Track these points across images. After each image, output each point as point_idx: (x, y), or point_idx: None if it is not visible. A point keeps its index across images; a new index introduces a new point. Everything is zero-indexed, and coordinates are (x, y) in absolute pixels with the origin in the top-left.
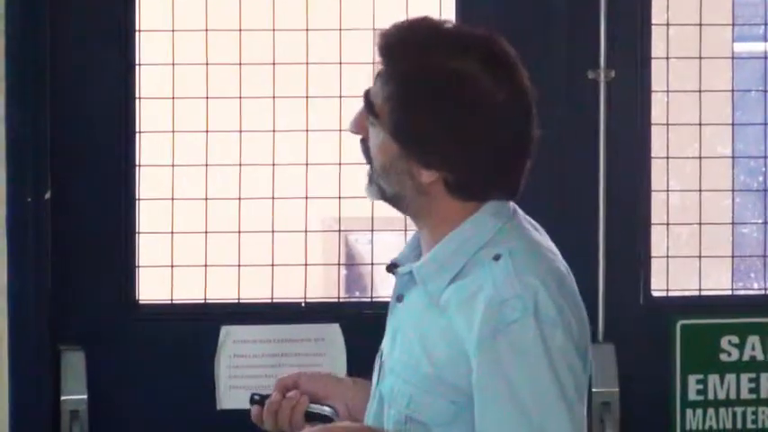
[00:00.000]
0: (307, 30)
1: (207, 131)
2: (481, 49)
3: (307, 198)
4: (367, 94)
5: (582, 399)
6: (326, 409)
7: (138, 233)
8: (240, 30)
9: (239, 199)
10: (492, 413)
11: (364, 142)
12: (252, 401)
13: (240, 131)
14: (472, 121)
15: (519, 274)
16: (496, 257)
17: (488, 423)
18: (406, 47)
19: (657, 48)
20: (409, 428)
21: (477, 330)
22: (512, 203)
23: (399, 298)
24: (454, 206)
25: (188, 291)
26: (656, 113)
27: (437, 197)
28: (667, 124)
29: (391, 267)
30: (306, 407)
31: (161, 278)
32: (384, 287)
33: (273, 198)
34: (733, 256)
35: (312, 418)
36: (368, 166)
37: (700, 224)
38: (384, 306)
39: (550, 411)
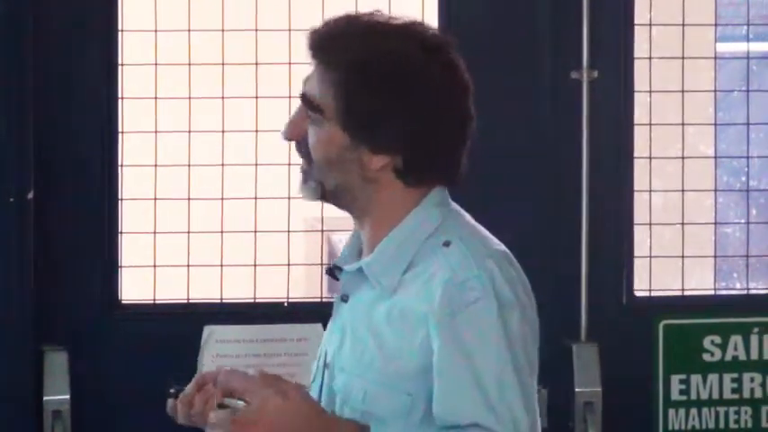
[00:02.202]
0: (289, 30)
1: (189, 132)
2: (416, 33)
3: (289, 198)
4: (305, 95)
5: (535, 378)
6: (240, 404)
7: (121, 233)
8: (223, 30)
9: (222, 199)
10: (452, 392)
11: (300, 144)
12: (168, 395)
13: (223, 132)
14: (417, 100)
15: (474, 257)
16: (446, 244)
17: (448, 401)
18: (345, 38)
19: (640, 48)
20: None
21: (436, 313)
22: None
23: (345, 298)
24: (400, 195)
25: (171, 291)
26: (639, 113)
27: (384, 185)
28: (650, 124)
29: (332, 270)
30: (219, 400)
31: (144, 278)
32: None
33: (256, 198)
34: (715, 256)
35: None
36: (301, 165)
37: (682, 224)
38: None
39: (508, 392)
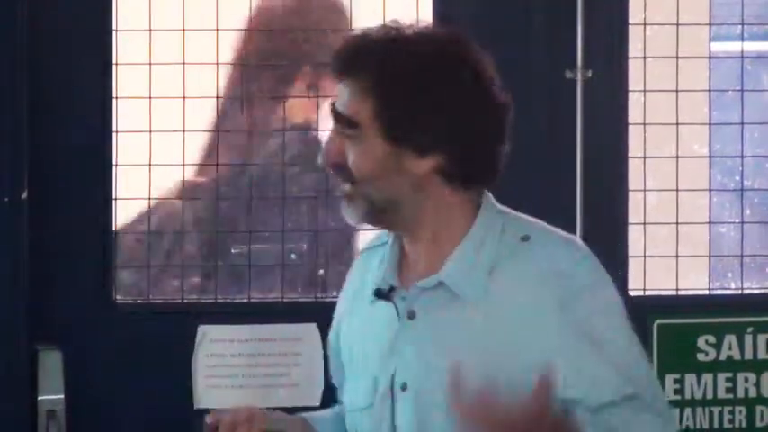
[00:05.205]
0: (286, 30)
1: (184, 131)
2: (434, 35)
3: (284, 198)
4: (339, 113)
5: None
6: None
7: (116, 233)
8: (217, 29)
9: (216, 199)
10: (595, 374)
11: (340, 167)
12: (205, 421)
13: (217, 131)
14: (450, 99)
15: (568, 247)
16: (525, 239)
17: (593, 384)
18: (366, 51)
19: (634, 47)
20: None
21: (548, 305)
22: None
23: (411, 315)
24: (451, 199)
25: (165, 290)
26: (633, 113)
27: (433, 192)
28: (644, 124)
29: (381, 292)
30: (264, 425)
31: (138, 277)
32: None
33: (251, 198)
34: (710, 256)
35: None
36: (344, 188)
37: (677, 224)
38: None
39: (642, 364)
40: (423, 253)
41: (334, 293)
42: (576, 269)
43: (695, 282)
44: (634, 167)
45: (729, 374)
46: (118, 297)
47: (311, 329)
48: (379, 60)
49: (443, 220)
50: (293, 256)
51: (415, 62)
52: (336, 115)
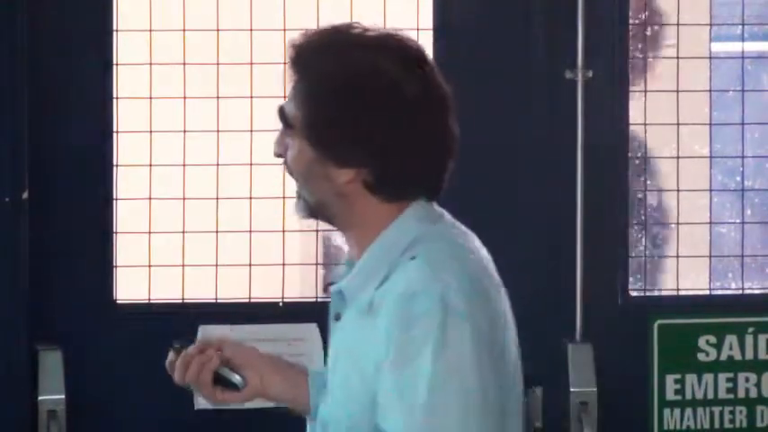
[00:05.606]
0: (284, 30)
1: (184, 131)
2: (391, 47)
3: (284, 197)
4: (281, 109)
5: (495, 392)
6: (237, 377)
7: (116, 233)
8: (218, 29)
9: (217, 199)
10: (400, 404)
11: (284, 160)
12: (171, 348)
13: (218, 131)
14: (381, 114)
15: (433, 271)
16: (413, 258)
17: (397, 411)
18: (316, 52)
19: (635, 48)
20: None
21: (387, 326)
22: (438, 209)
23: (337, 317)
24: (377, 208)
25: (166, 290)
26: (634, 113)
27: (358, 199)
28: (645, 124)
29: (328, 287)
30: (216, 367)
31: (139, 278)
32: None
33: (251, 198)
34: (710, 256)
35: (220, 381)
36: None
37: (677, 224)
38: None
39: (458, 402)
40: (354, 252)
41: None
42: (422, 295)
43: (696, 282)
44: (634, 168)
45: (730, 374)
46: (118, 297)
47: (312, 329)
48: (320, 67)
49: (367, 227)
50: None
51: (352, 77)
52: (279, 111)
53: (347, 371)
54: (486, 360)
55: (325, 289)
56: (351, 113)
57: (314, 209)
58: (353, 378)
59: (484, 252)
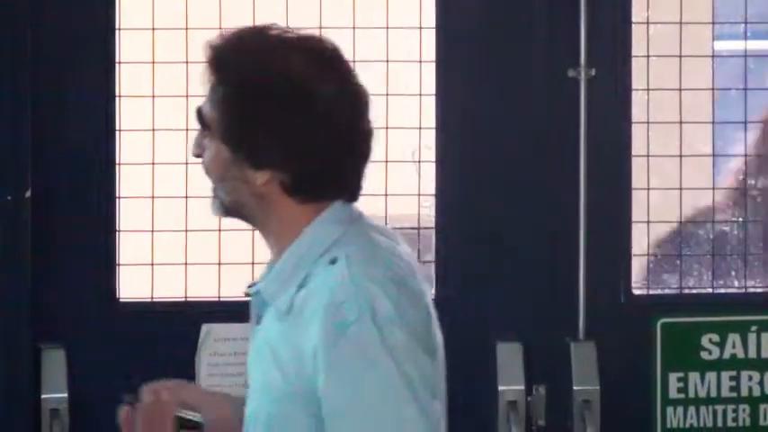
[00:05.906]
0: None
1: (187, 129)
2: (305, 48)
3: None
4: (199, 110)
5: (435, 394)
6: (198, 416)
7: (119, 231)
8: (220, 28)
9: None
10: (342, 418)
11: (202, 160)
12: (123, 404)
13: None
14: (295, 116)
15: (353, 277)
16: (333, 261)
17: (340, 428)
18: (232, 53)
19: (638, 46)
20: None
21: (317, 337)
22: (357, 209)
23: (259, 320)
24: (295, 210)
25: (168, 288)
26: (637, 112)
27: (275, 200)
28: (648, 122)
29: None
30: (177, 411)
31: (141, 276)
32: None
33: None
34: (713, 255)
35: (183, 425)
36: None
37: (680, 222)
38: None
39: (400, 409)
40: (273, 253)
41: None
42: (350, 304)
43: (698, 280)
44: (637, 166)
45: (733, 373)
46: (121, 295)
47: None
48: (236, 69)
49: (285, 228)
50: None
51: (267, 79)
52: (197, 111)
53: (267, 366)
54: (422, 357)
55: (247, 292)
56: (265, 116)
57: (230, 208)
58: (273, 372)
59: (405, 249)
